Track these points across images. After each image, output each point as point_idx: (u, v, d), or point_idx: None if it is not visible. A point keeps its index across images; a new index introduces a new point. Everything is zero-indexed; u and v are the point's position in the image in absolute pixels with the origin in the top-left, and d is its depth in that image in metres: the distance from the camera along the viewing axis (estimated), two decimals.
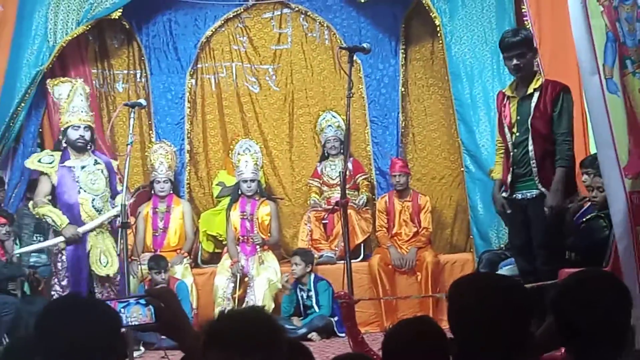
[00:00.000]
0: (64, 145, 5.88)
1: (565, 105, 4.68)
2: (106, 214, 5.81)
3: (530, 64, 4.82)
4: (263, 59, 7.90)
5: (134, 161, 7.44)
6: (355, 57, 5.05)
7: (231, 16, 7.76)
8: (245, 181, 6.90)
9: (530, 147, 4.73)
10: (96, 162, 5.92)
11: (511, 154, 4.84)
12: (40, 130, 7.12)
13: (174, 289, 6.30)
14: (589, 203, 5.35)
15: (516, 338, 1.99)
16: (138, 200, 7.24)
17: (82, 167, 5.82)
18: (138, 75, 7.79)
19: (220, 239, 7.18)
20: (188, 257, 6.92)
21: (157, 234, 6.97)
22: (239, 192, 6.96)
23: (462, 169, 6.95)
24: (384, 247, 6.85)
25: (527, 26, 6.35)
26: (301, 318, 6.46)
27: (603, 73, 3.80)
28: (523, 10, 6.50)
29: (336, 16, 7.71)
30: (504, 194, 4.92)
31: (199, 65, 7.81)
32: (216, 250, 7.31)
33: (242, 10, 7.78)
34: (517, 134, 4.80)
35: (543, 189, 4.70)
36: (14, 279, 6.17)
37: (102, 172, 5.91)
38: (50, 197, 5.80)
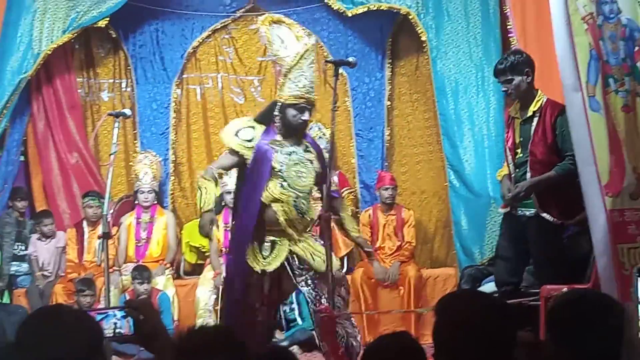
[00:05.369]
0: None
1: (565, 129, 4.45)
2: None
3: (519, 88, 4.76)
4: (249, 70, 7.89)
5: (118, 170, 7.40)
6: (341, 71, 5.06)
7: (218, 27, 7.75)
8: (229, 192, 6.85)
9: (528, 175, 4.71)
10: None
11: (512, 175, 4.83)
12: (25, 138, 7.08)
13: (156, 301, 6.29)
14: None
15: (501, 357, 2.01)
16: (121, 210, 7.22)
17: None
18: (124, 85, 7.74)
19: (203, 250, 7.15)
20: (170, 268, 6.89)
21: (139, 244, 6.93)
22: (223, 204, 6.93)
23: (445, 184, 6.96)
24: (366, 261, 6.85)
25: (513, 42, 6.40)
26: (283, 331, 6.43)
27: (586, 91, 3.83)
28: (509, 27, 6.53)
29: (323, 29, 7.71)
30: (505, 209, 4.92)
31: (184, 76, 7.79)
32: (199, 262, 7.27)
33: (229, 21, 7.78)
34: (521, 155, 4.79)
35: (542, 214, 4.67)
36: None
37: None
38: None
